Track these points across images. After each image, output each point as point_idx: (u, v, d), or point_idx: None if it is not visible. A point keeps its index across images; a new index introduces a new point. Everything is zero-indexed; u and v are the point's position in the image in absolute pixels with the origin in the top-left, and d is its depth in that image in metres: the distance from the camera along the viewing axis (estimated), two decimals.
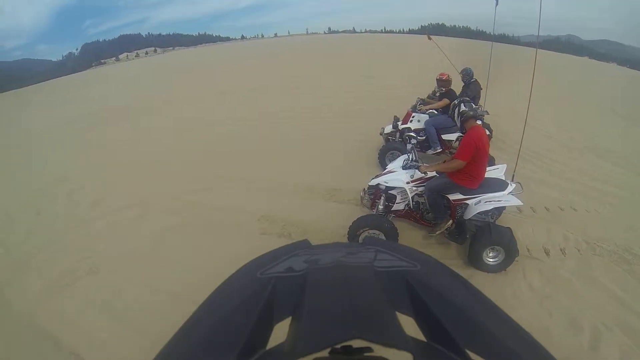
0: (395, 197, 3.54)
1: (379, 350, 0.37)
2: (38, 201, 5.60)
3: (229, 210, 4.59)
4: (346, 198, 4.64)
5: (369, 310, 0.31)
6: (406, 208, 3.58)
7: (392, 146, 5.24)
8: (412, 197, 3.47)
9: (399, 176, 3.45)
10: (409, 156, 3.57)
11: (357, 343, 0.33)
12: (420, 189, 3.44)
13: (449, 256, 3.50)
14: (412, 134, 5.24)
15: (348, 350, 0.32)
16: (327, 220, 4.14)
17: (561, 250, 3.54)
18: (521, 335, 0.35)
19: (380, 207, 3.54)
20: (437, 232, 3.38)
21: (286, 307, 0.33)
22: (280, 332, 0.33)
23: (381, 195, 3.55)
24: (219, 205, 4.77)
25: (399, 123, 5.50)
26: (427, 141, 5.23)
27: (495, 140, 5.85)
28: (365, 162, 5.65)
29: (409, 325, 0.36)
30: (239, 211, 4.53)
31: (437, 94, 5.73)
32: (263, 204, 4.64)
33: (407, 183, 3.42)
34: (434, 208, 3.36)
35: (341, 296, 0.32)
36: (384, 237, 3.36)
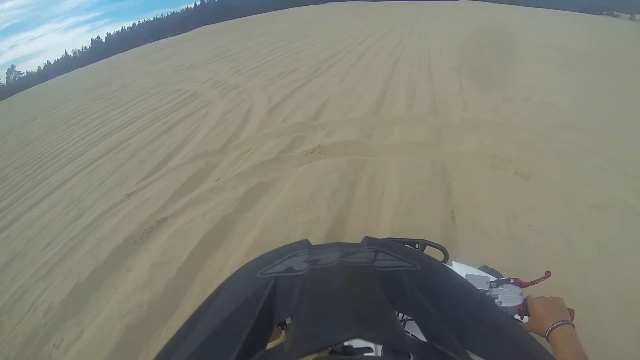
0: None
1: (379, 350, 0.37)
2: None
3: None
4: None
5: (369, 310, 0.30)
6: None
7: None
8: None
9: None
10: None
11: (357, 343, 0.33)
12: None
13: None
14: None
15: (348, 350, 0.32)
16: None
17: None
18: (521, 335, 0.35)
19: None
20: None
21: (286, 307, 0.33)
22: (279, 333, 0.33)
23: None
24: None
25: None
26: None
27: None
28: None
29: (409, 326, 0.36)
30: None
31: None
32: None
33: None
34: None
35: (341, 296, 0.32)
36: None
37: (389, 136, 3.92)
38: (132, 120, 6.99)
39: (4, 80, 42.59)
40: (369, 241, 0.45)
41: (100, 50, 45.53)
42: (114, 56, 33.18)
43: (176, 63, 13.90)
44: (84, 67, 32.31)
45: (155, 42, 33.06)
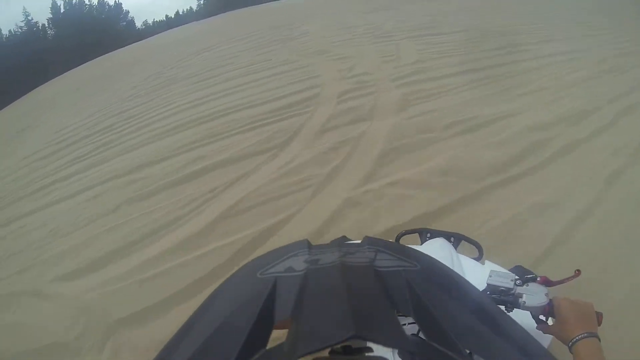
0: None
1: (379, 350, 0.37)
2: None
3: None
4: None
5: (369, 310, 0.30)
6: None
7: None
8: None
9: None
10: None
11: (357, 343, 0.33)
12: None
13: None
14: None
15: (348, 350, 0.32)
16: None
17: None
18: (520, 334, 0.34)
19: None
20: None
21: (286, 307, 0.34)
22: (280, 332, 0.32)
23: None
24: None
25: None
26: None
27: None
28: None
29: (409, 326, 0.35)
30: None
31: None
32: None
33: None
34: None
35: (341, 296, 0.32)
36: None
37: None
38: (221, 114, 4.86)
39: None
40: (369, 241, 0.45)
41: None
42: None
43: (378, 22, 9.14)
44: None
45: None
